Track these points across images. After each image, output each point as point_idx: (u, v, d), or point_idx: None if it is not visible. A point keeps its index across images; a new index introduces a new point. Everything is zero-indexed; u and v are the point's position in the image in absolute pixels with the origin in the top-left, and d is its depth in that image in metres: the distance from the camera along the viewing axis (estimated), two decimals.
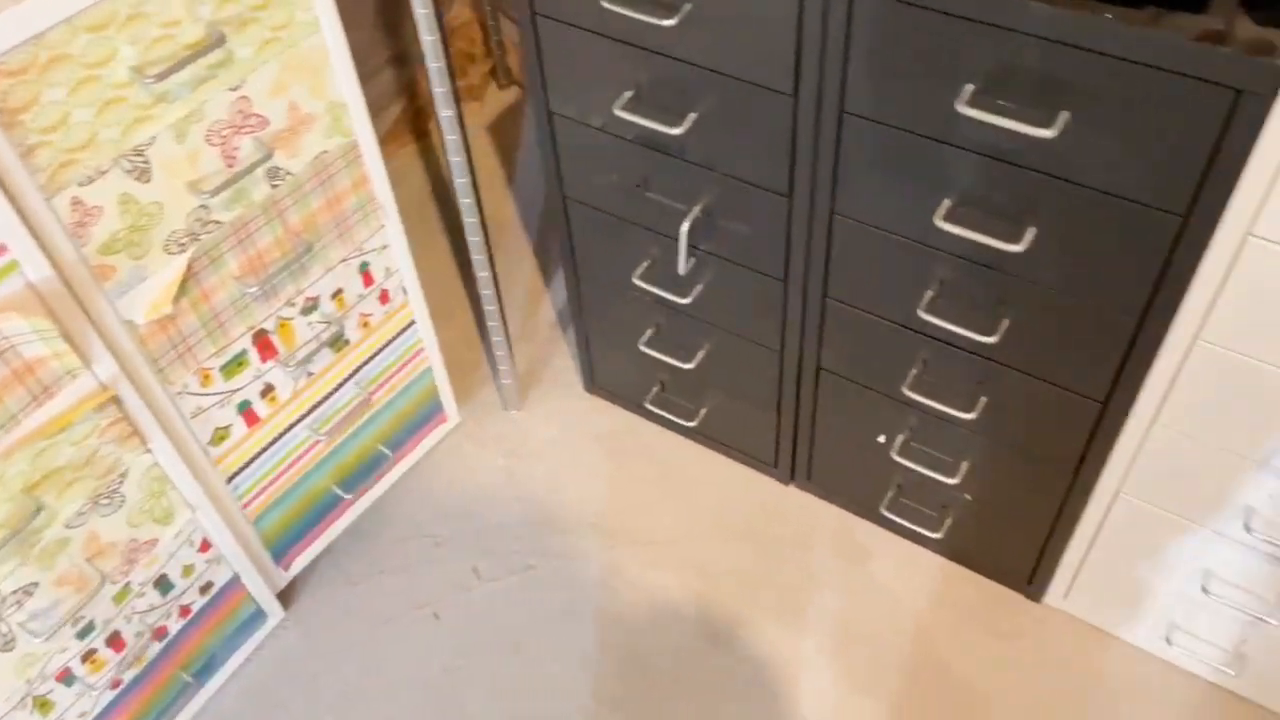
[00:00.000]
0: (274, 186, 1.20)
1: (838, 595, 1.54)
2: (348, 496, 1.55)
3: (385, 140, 2.19)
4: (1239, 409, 1.08)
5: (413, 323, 1.52)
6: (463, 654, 1.51)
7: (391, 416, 1.58)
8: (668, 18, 1.11)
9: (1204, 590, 1.27)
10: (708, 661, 1.48)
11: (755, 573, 1.58)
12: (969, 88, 1.00)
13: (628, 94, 1.25)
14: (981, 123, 0.99)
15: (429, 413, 1.66)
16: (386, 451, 1.59)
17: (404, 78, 2.27)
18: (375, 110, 2.11)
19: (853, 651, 1.48)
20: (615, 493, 1.69)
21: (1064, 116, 0.96)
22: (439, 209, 2.17)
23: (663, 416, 1.70)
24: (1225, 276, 0.99)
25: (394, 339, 1.50)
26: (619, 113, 1.24)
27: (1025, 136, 0.98)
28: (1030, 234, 1.07)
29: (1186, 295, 1.03)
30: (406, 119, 2.29)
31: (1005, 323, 1.18)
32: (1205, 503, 1.20)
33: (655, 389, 1.69)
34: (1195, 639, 1.37)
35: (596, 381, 1.79)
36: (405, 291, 1.48)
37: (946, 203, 1.11)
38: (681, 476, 1.70)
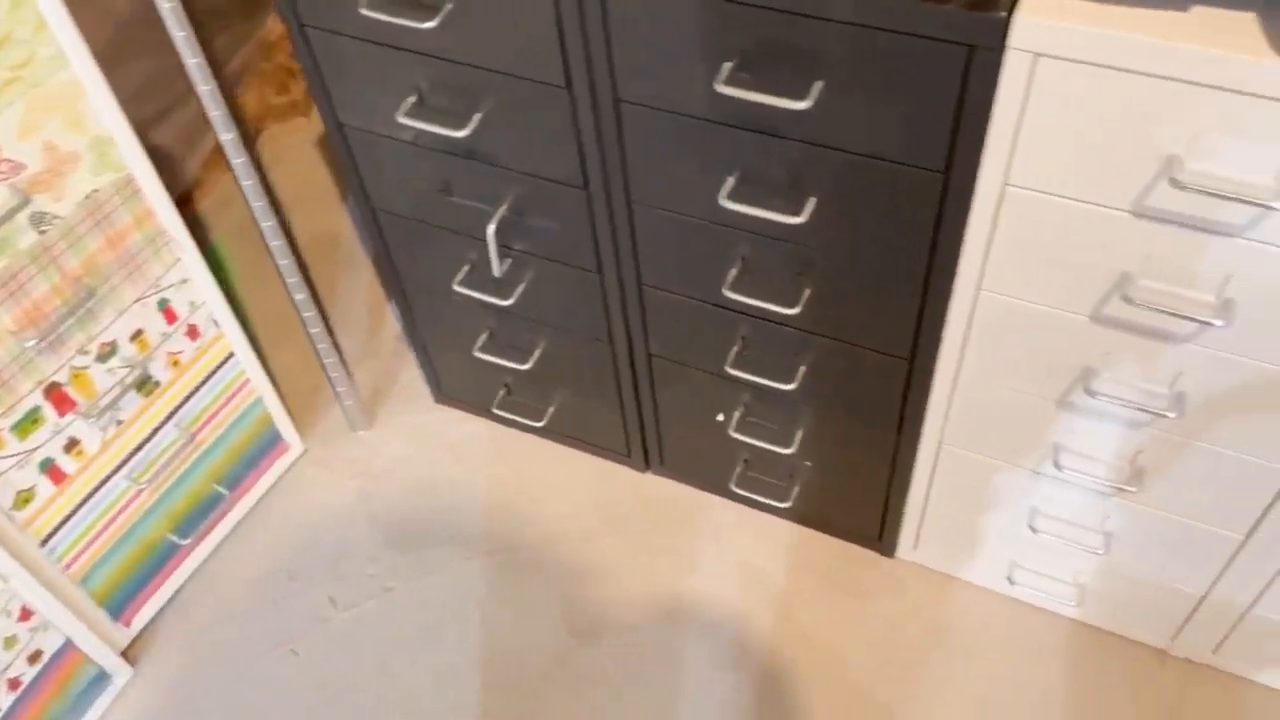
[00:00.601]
0: (42, 233, 1.14)
1: (701, 575, 1.55)
2: (186, 542, 1.50)
3: (209, 164, 2.12)
4: (1028, 353, 1.12)
5: (231, 355, 1.47)
6: (326, 686, 1.47)
7: (224, 454, 1.52)
8: (428, 20, 1.08)
9: (1032, 529, 1.31)
10: (578, 658, 1.47)
11: (618, 564, 1.57)
12: (727, 66, 1.00)
13: (410, 100, 1.22)
14: (743, 100, 1.00)
15: (267, 444, 1.61)
16: (223, 490, 1.53)
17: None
18: (193, 135, 2.04)
19: (720, 630, 1.49)
20: (473, 502, 1.67)
21: (818, 86, 0.97)
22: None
23: (512, 419, 1.68)
24: (993, 226, 1.01)
25: (213, 374, 1.45)
26: (403, 119, 1.21)
27: (785, 110, 0.98)
28: (811, 204, 1.08)
29: (962, 248, 1.05)
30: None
31: (806, 293, 1.19)
32: (1017, 445, 1.23)
33: (501, 392, 1.67)
34: (1035, 575, 1.41)
35: (445, 391, 1.76)
36: (217, 323, 1.43)
37: (730, 181, 1.11)
38: (538, 477, 1.69)
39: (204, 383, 1.44)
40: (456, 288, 1.44)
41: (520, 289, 1.41)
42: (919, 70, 0.92)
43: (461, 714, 1.43)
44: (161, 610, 1.54)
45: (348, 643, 1.51)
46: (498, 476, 1.70)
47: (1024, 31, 0.85)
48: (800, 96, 0.97)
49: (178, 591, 1.56)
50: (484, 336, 1.55)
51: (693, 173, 1.13)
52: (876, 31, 0.91)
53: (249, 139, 2.24)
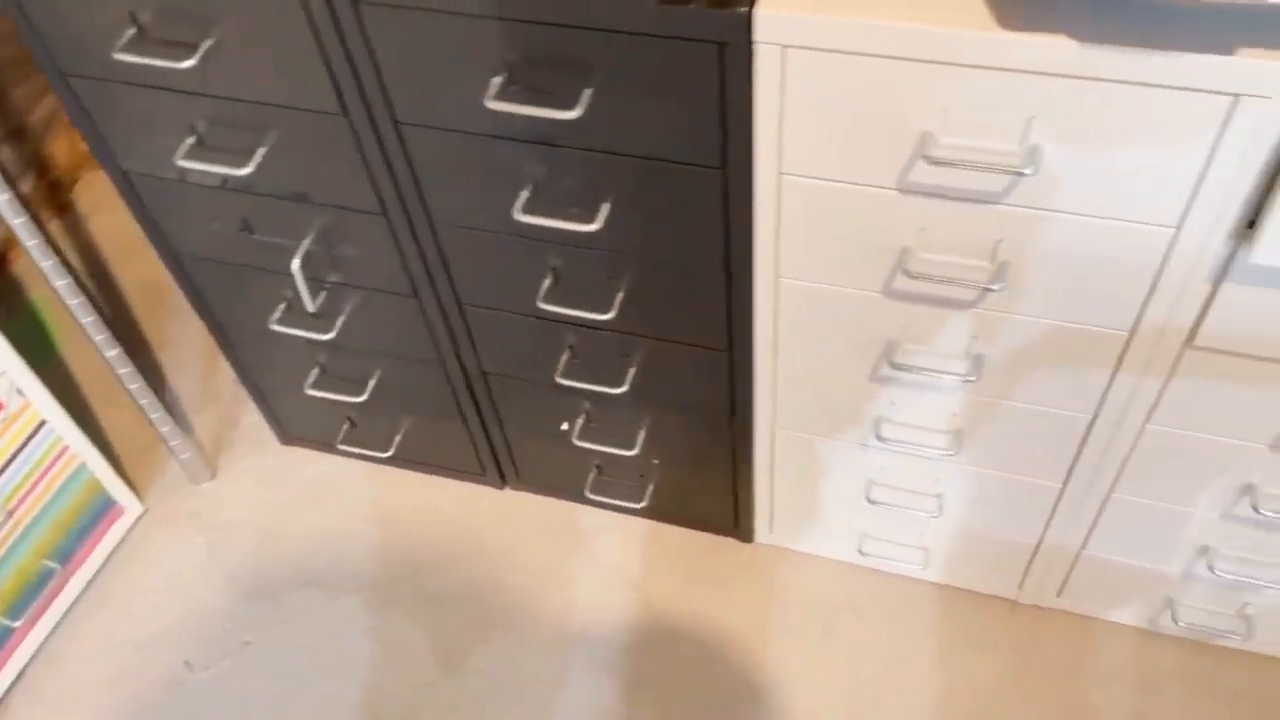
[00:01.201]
0: None
1: (567, 586, 1.54)
2: (18, 624, 1.42)
3: None
4: (836, 333, 1.13)
5: (43, 423, 1.40)
6: None
7: (50, 527, 1.45)
8: (186, 59, 1.04)
9: (869, 500, 1.33)
10: (447, 687, 1.45)
11: (483, 586, 1.55)
12: (496, 81, 0.98)
13: (188, 141, 1.17)
14: (516, 114, 0.99)
15: (99, 510, 1.54)
16: (53, 565, 1.46)
17: (28, 151, 2.08)
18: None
19: (589, 639, 1.48)
20: (329, 542, 1.62)
21: (587, 94, 0.96)
22: (94, 283, 2.01)
23: (360, 453, 1.64)
24: (778, 215, 1.02)
25: (24, 445, 1.37)
26: (182, 162, 1.16)
27: (557, 120, 0.97)
28: (605, 210, 1.08)
29: (755, 239, 1.06)
30: (41, 194, 2.10)
31: (620, 297, 1.19)
32: (843, 422, 1.26)
33: (345, 426, 1.63)
34: (884, 543, 1.44)
35: (289, 431, 1.71)
36: (21, 393, 1.35)
37: (524, 194, 1.10)
38: (395, 508, 1.66)
39: (16, 454, 1.36)
40: (274, 327, 1.39)
41: (341, 321, 1.38)
42: (678, 70, 0.92)
43: None
44: (7, 694, 1.46)
45: (208, 704, 1.46)
46: (354, 512, 1.66)
47: (767, 25, 0.85)
48: (570, 106, 0.96)
49: (20, 676, 1.47)
50: (315, 373, 1.51)
51: (485, 189, 1.12)
52: (630, 36, 0.90)
53: (64, 188, 2.14)
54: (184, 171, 1.22)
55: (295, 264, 1.27)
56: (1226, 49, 0.76)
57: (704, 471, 1.45)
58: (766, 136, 0.95)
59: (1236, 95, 0.78)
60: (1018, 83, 0.83)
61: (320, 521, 1.64)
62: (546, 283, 1.21)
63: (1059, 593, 1.41)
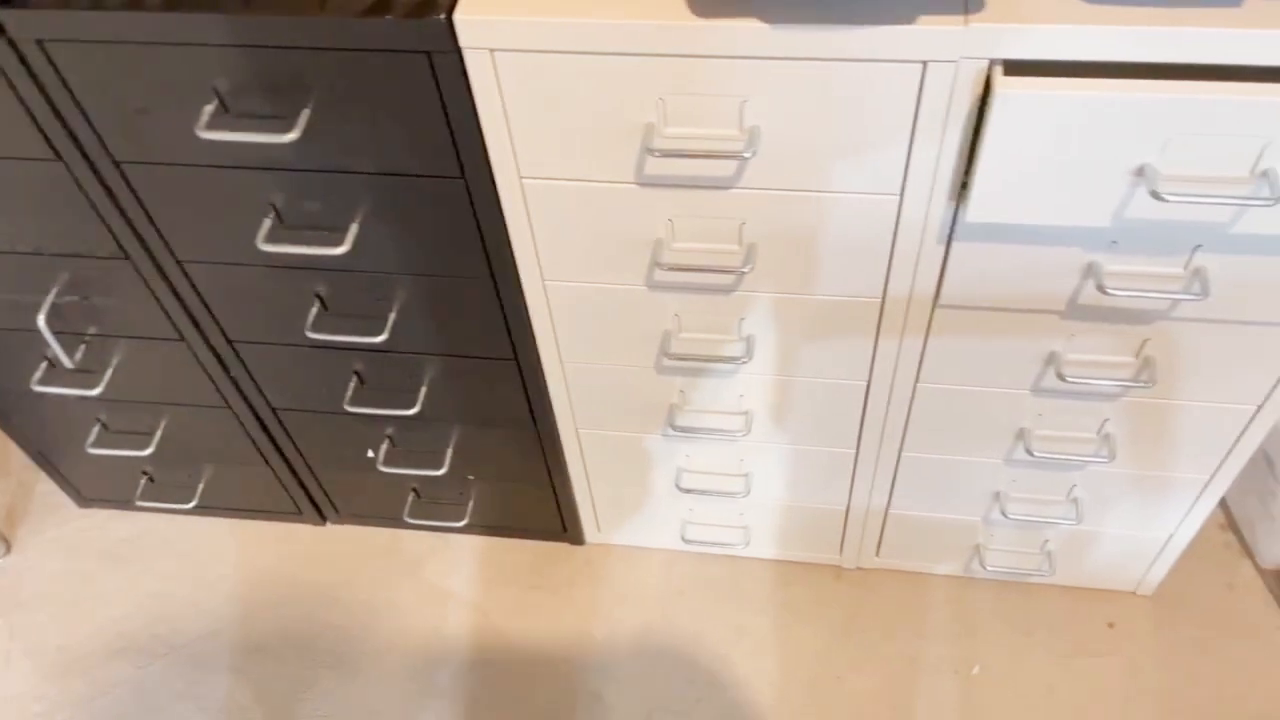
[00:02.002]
0: None
1: (399, 615, 1.50)
2: None
3: None
4: (612, 330, 1.12)
5: None
6: None
7: None
8: None
9: (680, 488, 1.33)
10: None
11: (308, 628, 1.49)
12: (208, 110, 0.93)
13: None
14: (233, 142, 0.94)
15: None
16: None
17: None
18: None
19: (428, 665, 1.44)
20: (139, 606, 1.53)
21: (305, 115, 0.92)
22: None
23: (162, 507, 1.56)
24: (529, 219, 1.01)
25: None
26: None
27: (276, 144, 0.93)
28: (353, 231, 1.04)
29: (513, 246, 1.04)
30: None
31: (391, 316, 1.15)
32: (641, 415, 1.25)
33: (143, 482, 1.54)
34: (705, 527, 1.45)
35: (86, 495, 1.61)
36: None
37: (266, 223, 1.05)
38: (207, 560, 1.58)
39: None
40: (37, 388, 1.30)
41: (109, 374, 1.30)
42: (392, 82, 0.89)
43: None
44: None
45: None
46: (165, 570, 1.57)
47: (468, 31, 0.83)
48: (287, 129, 0.92)
49: None
50: (96, 430, 1.42)
51: (225, 221, 1.06)
52: (337, 52, 0.87)
53: None
54: None
55: (41, 320, 1.19)
56: (908, 19, 0.78)
57: (521, 481, 1.42)
58: (498, 142, 0.93)
59: (924, 62, 0.80)
60: (722, 68, 0.83)
61: (128, 585, 1.55)
62: (314, 311, 1.16)
63: (877, 552, 1.44)
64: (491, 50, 0.85)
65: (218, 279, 1.14)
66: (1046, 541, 1.35)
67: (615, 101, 0.87)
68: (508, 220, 1.01)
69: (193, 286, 1.16)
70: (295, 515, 1.59)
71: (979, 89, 0.81)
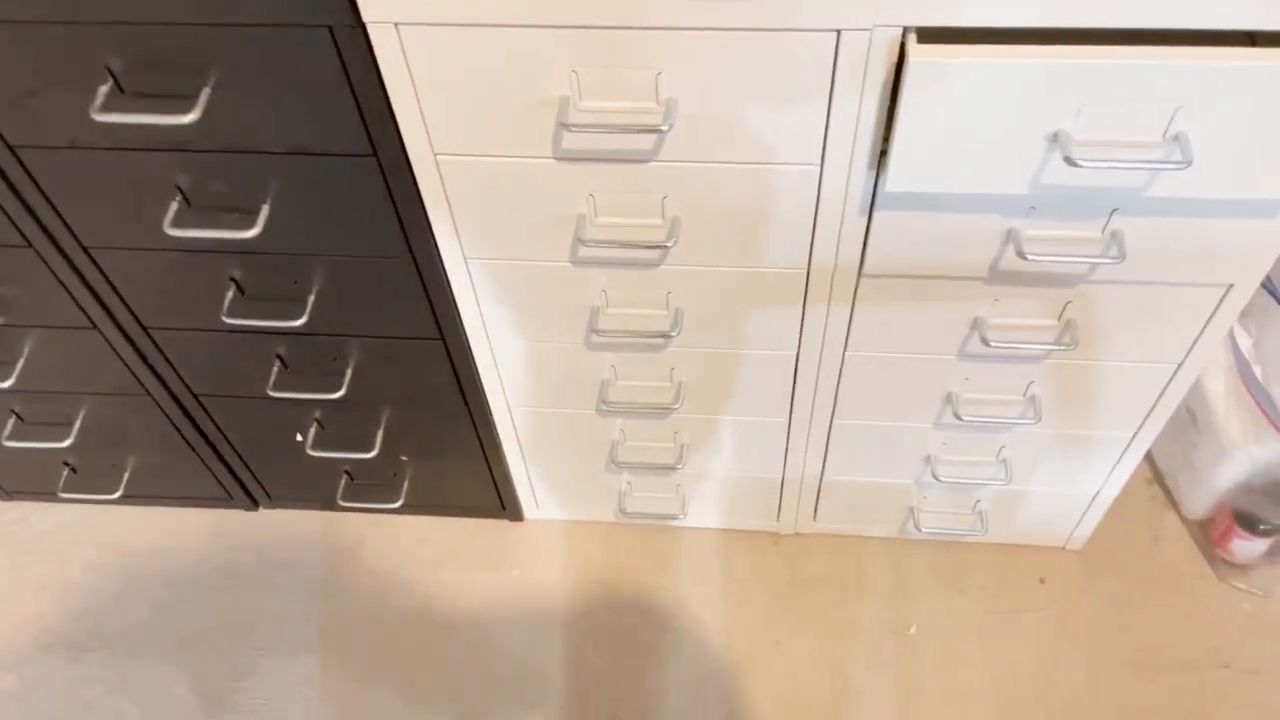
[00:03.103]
0: None
1: (336, 598, 1.48)
2: None
3: None
4: (539, 307, 1.11)
5: None
6: None
7: None
8: None
9: (615, 462, 1.33)
10: None
11: (243, 615, 1.47)
12: (102, 90, 0.89)
13: None
14: (132, 123, 0.90)
15: None
16: None
17: None
18: None
19: (357, 648, 1.43)
20: (67, 598, 1.50)
21: (205, 94, 0.88)
22: None
23: (86, 499, 1.52)
24: (445, 197, 0.98)
25: None
26: None
27: (180, 125, 0.89)
28: (265, 213, 1.01)
29: (431, 224, 1.01)
30: None
31: (311, 300, 1.12)
32: (572, 392, 1.24)
33: (65, 473, 1.49)
34: (642, 499, 1.45)
35: (7, 488, 1.56)
36: None
37: (174, 206, 1.01)
38: (137, 550, 1.54)
39: None
40: None
41: (20, 365, 1.25)
42: (295, 58, 0.85)
43: None
44: None
45: None
46: (93, 562, 1.53)
47: (371, 3, 0.80)
48: (186, 109, 0.88)
49: None
50: (11, 422, 1.37)
51: (130, 205, 1.02)
52: (232, 28, 0.83)
53: None
54: None
55: None
56: None
57: (455, 460, 1.40)
58: (408, 118, 0.90)
59: (838, 30, 0.79)
60: (636, 39, 0.81)
61: (54, 577, 1.51)
62: (230, 295, 1.13)
63: (814, 517, 1.45)
64: (396, 24, 0.82)
65: (127, 264, 1.10)
66: (978, 502, 1.37)
67: (527, 75, 0.85)
68: (424, 198, 0.98)
69: (102, 273, 1.12)
70: (226, 501, 1.55)
71: (893, 57, 0.80)
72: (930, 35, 0.78)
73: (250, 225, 1.00)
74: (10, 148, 0.97)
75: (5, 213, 1.04)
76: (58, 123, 0.93)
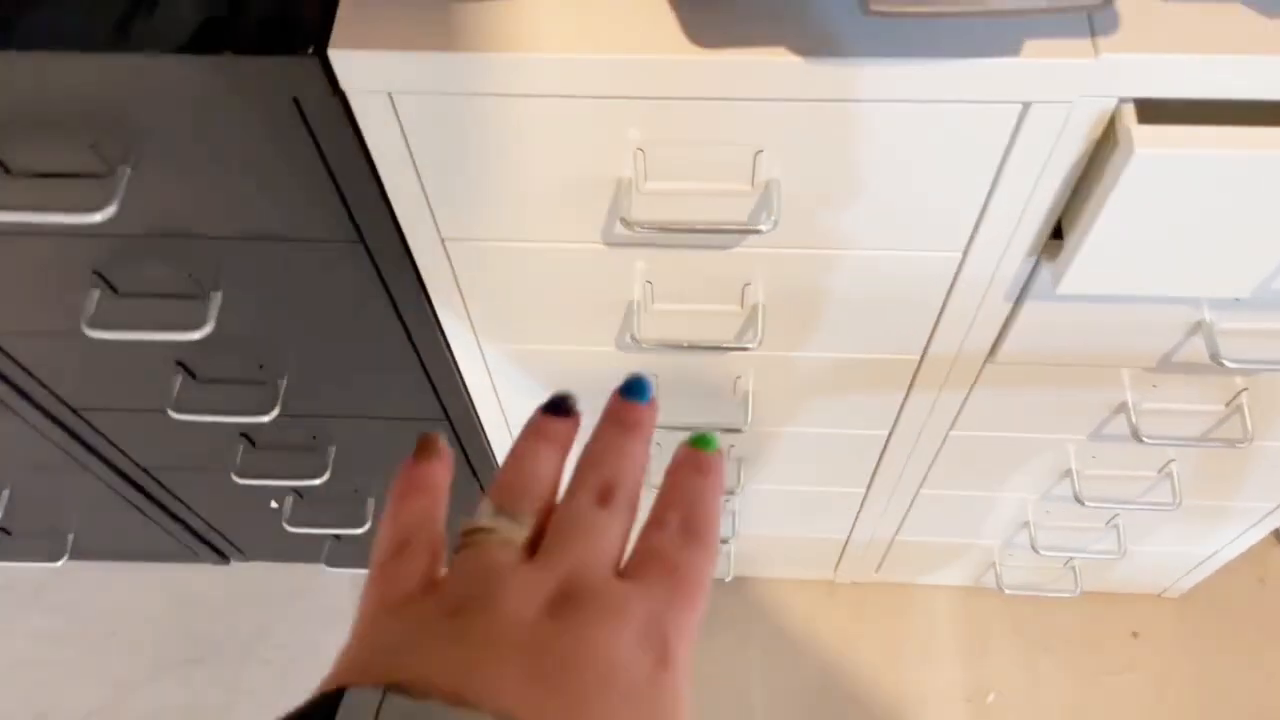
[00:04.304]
0: None
1: (320, 675, 1.28)
2: None
3: None
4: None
5: None
6: None
7: None
8: None
9: None
10: None
11: (218, 695, 1.27)
12: None
13: None
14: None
15: None
16: None
17: None
18: None
19: None
20: (13, 674, 1.29)
21: (125, 174, 0.63)
22: None
23: (21, 567, 1.30)
24: (456, 285, 0.74)
25: None
26: None
27: (87, 222, 0.65)
28: (217, 302, 0.77)
29: (438, 311, 0.78)
30: None
31: (283, 386, 0.89)
32: None
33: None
34: None
35: None
36: None
37: (95, 295, 0.77)
38: (92, 615, 1.34)
39: None
40: None
41: None
42: (247, 133, 0.61)
43: None
44: None
45: None
46: (39, 630, 1.33)
47: (353, 70, 0.55)
48: (100, 202, 0.63)
49: None
50: None
51: (39, 295, 0.78)
52: (157, 96, 0.58)
53: None
54: None
55: None
56: (1013, 50, 0.53)
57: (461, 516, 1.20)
58: (406, 200, 0.66)
59: (1025, 103, 0.55)
60: (728, 111, 0.57)
61: (3, 653, 1.31)
62: (177, 382, 0.89)
63: (877, 569, 1.27)
64: (390, 94, 0.57)
65: (56, 354, 0.86)
66: (1072, 559, 1.19)
67: (571, 152, 0.61)
68: (428, 287, 0.75)
69: (15, 362, 0.88)
70: (194, 558, 1.34)
71: (1095, 134, 0.57)
72: (1147, 109, 0.55)
73: (199, 323, 0.76)
74: None
75: None
76: None
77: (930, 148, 0.59)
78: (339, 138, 0.61)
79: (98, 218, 0.63)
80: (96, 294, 0.77)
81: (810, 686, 1.24)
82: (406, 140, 0.61)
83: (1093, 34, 0.53)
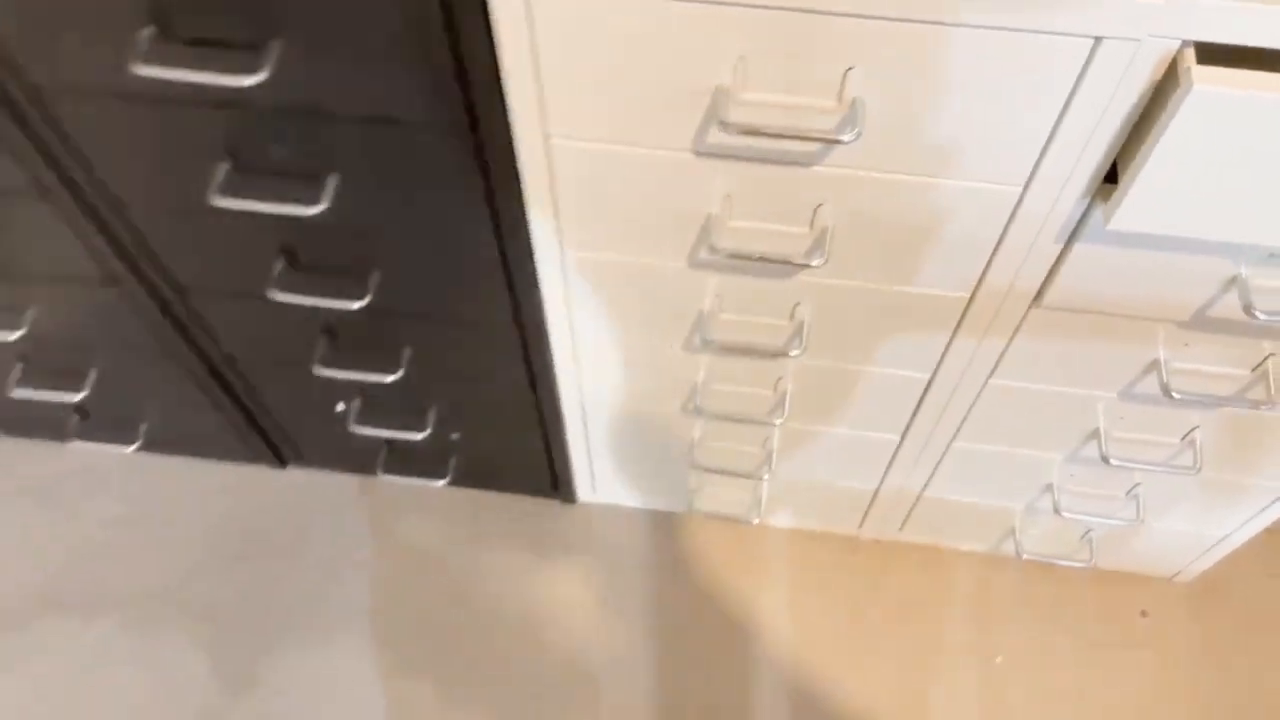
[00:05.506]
0: None
1: (367, 574, 1.36)
2: None
3: None
4: (639, 308, 0.95)
5: None
6: None
7: None
8: None
9: (694, 464, 1.19)
10: (238, 715, 1.26)
11: (267, 586, 1.35)
12: (145, 34, 0.72)
13: None
14: (183, 80, 0.72)
15: None
16: None
17: None
18: None
19: (399, 633, 1.31)
20: (76, 554, 1.37)
21: (277, 47, 0.71)
22: None
23: (95, 449, 1.38)
24: (552, 184, 0.81)
25: None
26: None
27: (234, 85, 0.72)
28: (332, 184, 0.84)
29: (528, 212, 0.85)
30: None
31: (375, 279, 0.97)
32: (661, 392, 1.09)
33: (74, 420, 1.35)
34: (714, 497, 1.32)
35: (8, 428, 1.42)
36: None
37: (222, 170, 0.84)
38: (153, 506, 1.41)
39: None
40: None
41: (30, 314, 1.10)
42: (388, 16, 0.68)
43: None
44: None
45: None
46: (103, 515, 1.40)
47: None
48: (253, 68, 0.70)
49: None
50: (18, 368, 1.22)
51: (171, 165, 0.85)
52: None
53: None
54: None
55: None
56: None
57: (511, 440, 1.26)
58: (522, 94, 0.73)
59: (1098, 38, 0.61)
60: (824, 26, 0.63)
61: (63, 530, 1.39)
62: (279, 265, 0.97)
63: (901, 528, 1.32)
64: None
65: (165, 226, 0.94)
66: (1090, 530, 1.24)
67: (678, 55, 0.67)
68: (525, 183, 0.82)
69: (137, 232, 0.96)
70: (253, 458, 1.42)
71: (1157, 75, 0.63)
72: (1207, 53, 0.61)
73: (314, 200, 0.83)
74: (34, 87, 0.79)
75: (17, 159, 0.87)
76: (96, 69, 0.76)
77: (1007, 76, 0.65)
78: (471, 25, 0.68)
79: (249, 81, 0.70)
80: (225, 167, 0.84)
81: (825, 635, 1.30)
82: (532, 33, 0.67)
83: None
